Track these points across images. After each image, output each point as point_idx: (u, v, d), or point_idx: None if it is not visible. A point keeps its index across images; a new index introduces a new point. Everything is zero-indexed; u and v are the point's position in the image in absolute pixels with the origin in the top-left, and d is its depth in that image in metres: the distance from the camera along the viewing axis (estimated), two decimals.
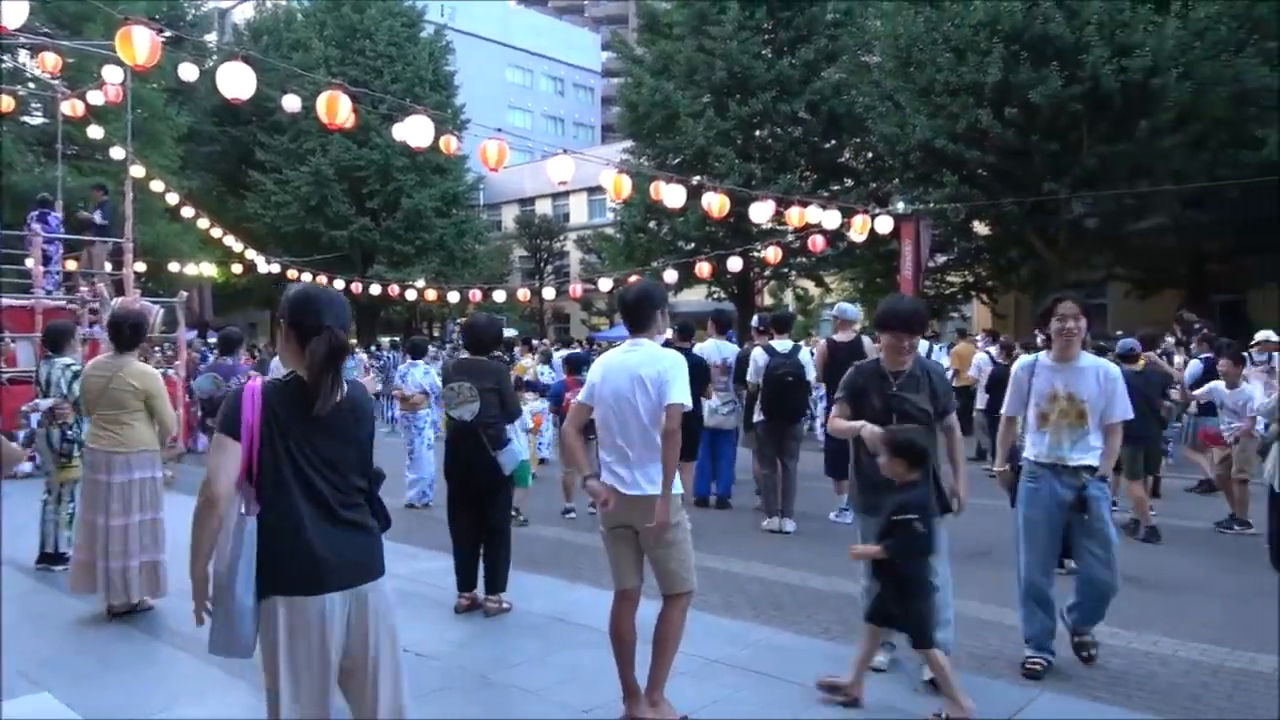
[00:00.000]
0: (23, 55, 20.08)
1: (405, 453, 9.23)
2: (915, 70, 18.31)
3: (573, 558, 6.78)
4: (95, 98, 13.24)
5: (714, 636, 4.76)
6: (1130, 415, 4.38)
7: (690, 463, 7.98)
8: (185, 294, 14.83)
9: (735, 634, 4.90)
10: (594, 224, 36.96)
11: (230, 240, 20.88)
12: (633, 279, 4.38)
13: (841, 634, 4.95)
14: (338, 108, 9.11)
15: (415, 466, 9.08)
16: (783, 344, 8.06)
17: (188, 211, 18.58)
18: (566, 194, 39.15)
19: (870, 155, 23.30)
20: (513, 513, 6.15)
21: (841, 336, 8.20)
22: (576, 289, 25.49)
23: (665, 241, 25.16)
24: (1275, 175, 15.35)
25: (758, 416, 8.02)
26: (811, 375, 8.01)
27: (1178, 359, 10.87)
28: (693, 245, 23.83)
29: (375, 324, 33.96)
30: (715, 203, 13.16)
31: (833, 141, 24.27)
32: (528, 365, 12.55)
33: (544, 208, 41.97)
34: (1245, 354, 8.61)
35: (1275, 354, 8.76)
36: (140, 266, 16.67)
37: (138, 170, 14.83)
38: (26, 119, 21.17)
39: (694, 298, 26.21)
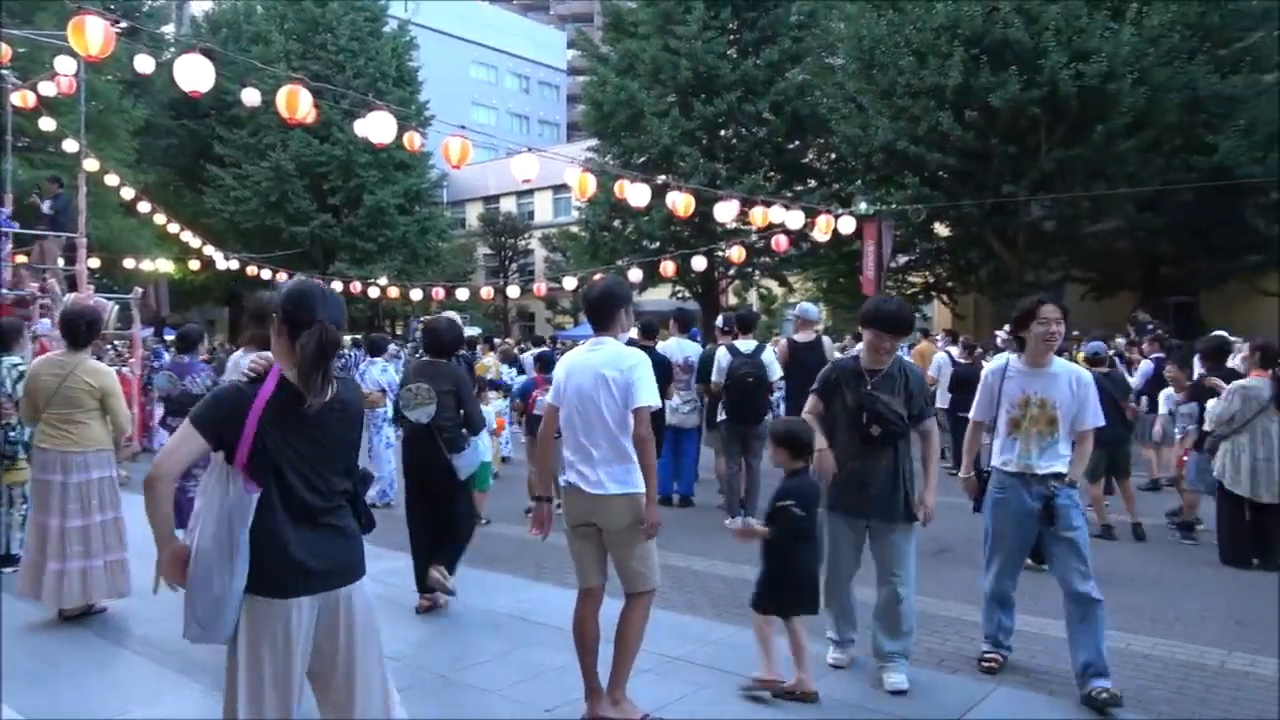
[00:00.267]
0: None
1: (365, 451, 9.13)
2: (878, 72, 18.49)
3: (535, 556, 6.75)
4: (47, 89, 12.91)
5: (676, 634, 4.78)
6: (1101, 422, 4.30)
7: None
8: (141, 290, 14.52)
9: (698, 632, 4.92)
10: (559, 222, 36.90)
11: (188, 236, 20.53)
12: (597, 277, 4.38)
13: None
14: (298, 103, 8.99)
15: (374, 465, 9.00)
16: (746, 344, 8.07)
17: (144, 206, 18.22)
18: (531, 192, 39.04)
19: (833, 156, 23.49)
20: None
21: (802, 336, 8.26)
22: (541, 287, 25.45)
23: (630, 240, 25.18)
24: (1225, 180, 15.77)
25: (721, 416, 8.05)
26: (775, 375, 8.04)
27: (1143, 363, 10.99)
28: (657, 244, 23.89)
29: None
30: (680, 202, 13.20)
31: (797, 142, 24.46)
32: (488, 364, 12.47)
33: (508, 205, 41.80)
34: (1196, 356, 8.72)
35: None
36: (94, 262, 16.31)
37: (91, 164, 14.52)
38: None
39: (659, 297, 26.26)
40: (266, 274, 22.21)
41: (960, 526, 7.21)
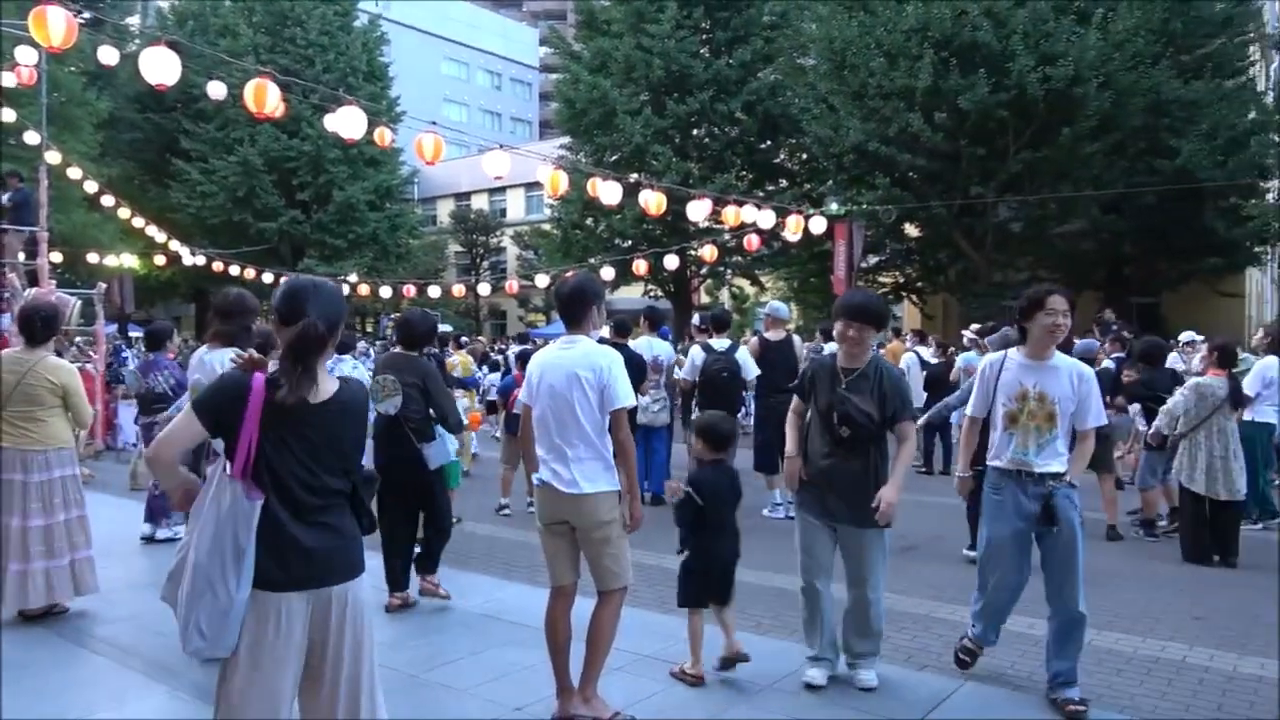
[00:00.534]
0: None
1: None
2: (849, 74, 18.62)
3: (507, 554, 6.74)
4: (7, 79, 12.67)
5: (648, 632, 4.79)
6: (1104, 421, 4.15)
7: None
8: (104, 286, 14.28)
9: (669, 630, 4.91)
10: (531, 220, 36.76)
11: (153, 231, 20.16)
12: (569, 274, 4.36)
13: (774, 628, 5.04)
14: (266, 97, 8.86)
15: None
16: (720, 343, 8.17)
17: (108, 200, 17.87)
18: (503, 189, 38.87)
19: (805, 156, 23.62)
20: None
21: (773, 335, 8.35)
22: (513, 285, 25.32)
23: (602, 238, 25.15)
24: (1187, 183, 16.08)
25: (695, 414, 8.09)
26: (751, 375, 8.08)
27: (1105, 362, 11.15)
28: (630, 243, 23.89)
29: None
30: (652, 200, 13.19)
31: (768, 142, 24.56)
32: (455, 362, 12.38)
33: (480, 203, 41.58)
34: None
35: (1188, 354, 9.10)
36: (56, 257, 16.01)
37: (54, 156, 14.25)
38: None
39: (631, 295, 26.24)
40: (234, 270, 21.88)
41: (927, 524, 7.29)
